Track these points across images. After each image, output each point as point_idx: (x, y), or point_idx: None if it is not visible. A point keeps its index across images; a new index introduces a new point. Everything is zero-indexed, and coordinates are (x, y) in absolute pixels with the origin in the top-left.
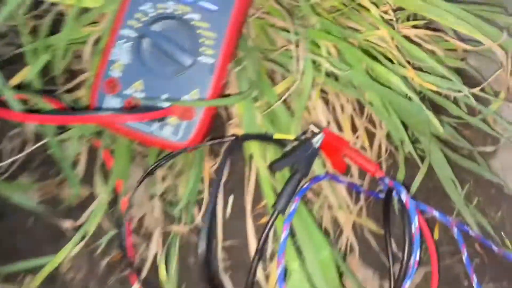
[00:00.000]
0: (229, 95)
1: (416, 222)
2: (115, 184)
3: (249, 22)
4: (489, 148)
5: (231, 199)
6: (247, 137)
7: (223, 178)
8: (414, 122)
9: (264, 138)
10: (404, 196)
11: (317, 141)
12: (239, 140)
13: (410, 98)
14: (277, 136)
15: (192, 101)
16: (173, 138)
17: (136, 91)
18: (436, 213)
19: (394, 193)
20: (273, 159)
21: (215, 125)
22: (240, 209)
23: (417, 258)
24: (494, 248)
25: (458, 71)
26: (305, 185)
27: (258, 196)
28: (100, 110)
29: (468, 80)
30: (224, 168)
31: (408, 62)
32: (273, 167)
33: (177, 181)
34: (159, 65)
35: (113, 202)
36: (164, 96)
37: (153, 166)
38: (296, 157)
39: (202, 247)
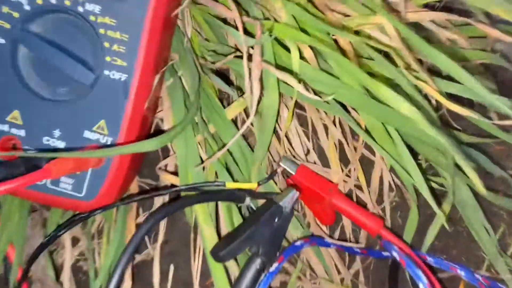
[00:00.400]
0: (166, 131)
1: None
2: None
3: (184, 11)
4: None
5: (171, 269)
6: (188, 188)
7: (158, 242)
8: (429, 150)
9: (211, 196)
10: (400, 256)
11: (289, 201)
12: (181, 197)
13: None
14: (230, 185)
15: (86, 153)
16: (76, 195)
17: (13, 127)
18: (461, 272)
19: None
20: (220, 241)
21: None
22: (185, 283)
23: None
24: None
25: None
26: (272, 268)
27: (205, 273)
28: None
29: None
30: (138, 240)
31: (420, 61)
32: (218, 256)
33: (94, 243)
34: (44, 87)
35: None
36: (56, 134)
37: (50, 235)
38: (257, 231)
39: None
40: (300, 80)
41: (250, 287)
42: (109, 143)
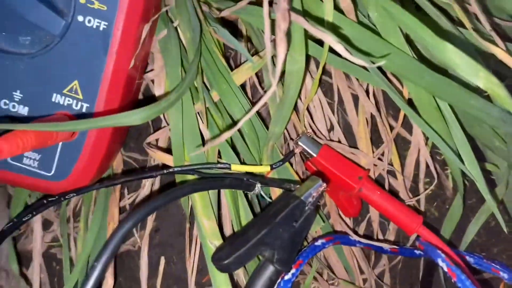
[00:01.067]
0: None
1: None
2: None
3: None
4: None
5: (162, 262)
6: (183, 187)
7: (147, 229)
8: (484, 133)
9: (213, 183)
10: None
11: (313, 195)
12: (167, 194)
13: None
14: (235, 168)
15: (52, 125)
16: (43, 174)
17: None
18: (504, 274)
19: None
20: (224, 244)
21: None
22: (177, 279)
23: None
24: None
25: None
26: (288, 276)
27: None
28: None
29: None
30: (125, 230)
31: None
32: (223, 265)
33: (70, 227)
34: (1, 36)
35: None
36: (16, 96)
37: (13, 221)
38: (272, 232)
39: None
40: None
41: None
42: (84, 110)
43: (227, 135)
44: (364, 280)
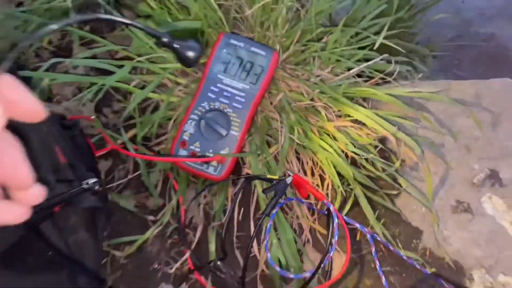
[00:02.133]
0: (245, 151)
1: (336, 220)
2: (179, 198)
3: (257, 114)
4: (394, 191)
5: (242, 209)
6: (253, 177)
7: (238, 198)
8: (347, 175)
9: (262, 177)
10: (332, 208)
11: (289, 180)
12: (249, 178)
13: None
14: (269, 177)
15: (226, 154)
16: (214, 173)
17: (196, 147)
18: (358, 225)
19: (332, 211)
20: (264, 188)
21: (237, 167)
22: (246, 214)
23: (336, 239)
24: (391, 247)
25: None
26: (281, 202)
27: (257, 208)
28: (176, 155)
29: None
30: (239, 193)
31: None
32: (264, 192)
33: (213, 198)
34: (209, 134)
35: (177, 208)
36: (211, 150)
37: (201, 190)
38: (277, 187)
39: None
40: None
41: (273, 206)
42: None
43: None
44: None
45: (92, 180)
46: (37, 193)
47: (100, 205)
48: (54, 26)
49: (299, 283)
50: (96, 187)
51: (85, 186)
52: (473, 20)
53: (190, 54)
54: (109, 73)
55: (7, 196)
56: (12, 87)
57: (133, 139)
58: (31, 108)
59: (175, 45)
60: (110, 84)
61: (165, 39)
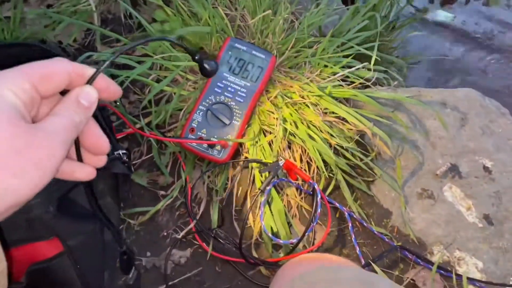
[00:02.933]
0: (244, 138)
1: (319, 196)
2: (186, 177)
3: (256, 107)
4: (370, 178)
5: (240, 188)
6: (251, 160)
7: (237, 178)
8: (330, 162)
9: (258, 161)
10: (316, 188)
11: (281, 163)
12: (247, 161)
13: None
14: (264, 161)
15: (228, 139)
16: (217, 156)
17: (203, 134)
18: (338, 205)
19: (317, 190)
20: (261, 168)
21: (237, 152)
22: (244, 191)
23: (318, 212)
24: (365, 224)
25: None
26: (274, 181)
27: (254, 186)
28: (186, 138)
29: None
30: (246, 174)
31: (331, 135)
32: (260, 171)
33: (215, 178)
34: (214, 123)
35: (184, 185)
36: (215, 136)
37: (206, 170)
38: (271, 168)
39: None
40: None
41: (268, 183)
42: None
43: None
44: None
45: (122, 151)
46: (104, 159)
47: (128, 172)
48: (132, 44)
49: (287, 249)
50: (125, 158)
51: (116, 154)
52: (448, 37)
53: (210, 69)
54: (128, 67)
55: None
56: (102, 76)
57: (147, 126)
58: (116, 90)
59: (204, 64)
60: (133, 76)
61: (197, 57)
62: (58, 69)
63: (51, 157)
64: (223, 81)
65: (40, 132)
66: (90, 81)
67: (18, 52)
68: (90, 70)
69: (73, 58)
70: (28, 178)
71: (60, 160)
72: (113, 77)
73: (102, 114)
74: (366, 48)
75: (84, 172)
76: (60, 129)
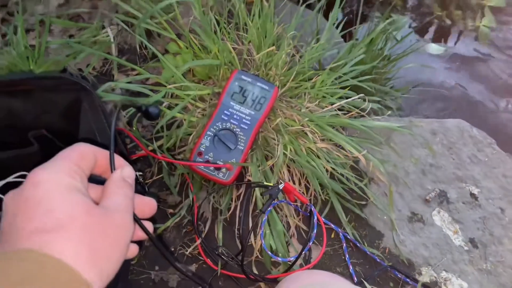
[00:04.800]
0: (248, 162)
1: (316, 217)
2: (193, 197)
3: (259, 134)
4: (363, 202)
5: (243, 208)
6: (254, 183)
7: (241, 199)
8: (326, 186)
9: (260, 184)
10: (313, 210)
11: (281, 186)
12: (250, 184)
13: (327, 172)
14: (266, 183)
15: (233, 163)
16: (223, 178)
17: (210, 157)
18: (333, 226)
19: (313, 212)
20: (262, 191)
21: (241, 175)
22: (246, 210)
23: (314, 232)
24: (358, 244)
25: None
26: (274, 203)
27: (255, 208)
28: (195, 161)
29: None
30: (242, 195)
31: (328, 161)
32: (262, 194)
33: (220, 198)
34: (220, 148)
35: (192, 205)
36: (221, 160)
37: (212, 191)
38: (272, 191)
39: (220, 232)
40: None
41: (268, 205)
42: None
43: None
44: None
45: (139, 173)
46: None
47: (143, 191)
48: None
49: (285, 266)
50: (141, 179)
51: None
52: (439, 71)
53: (154, 114)
54: (142, 95)
55: None
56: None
57: (159, 148)
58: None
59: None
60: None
61: (143, 108)
62: (87, 148)
63: (127, 233)
64: (230, 109)
65: (111, 213)
66: (113, 164)
67: (52, 83)
68: (104, 152)
69: (92, 85)
70: (113, 258)
71: (132, 235)
72: (129, 105)
73: (122, 138)
74: (362, 80)
75: (130, 251)
76: (124, 206)
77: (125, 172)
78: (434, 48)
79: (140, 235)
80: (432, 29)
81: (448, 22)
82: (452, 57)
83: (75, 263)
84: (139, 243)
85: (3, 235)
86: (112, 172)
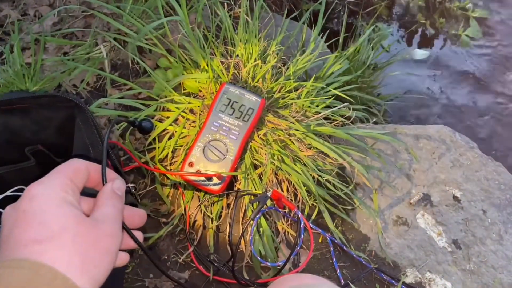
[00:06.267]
0: (237, 171)
1: (303, 223)
2: (185, 206)
3: (247, 144)
4: (350, 207)
5: (234, 215)
6: (243, 191)
7: (231, 207)
8: (313, 192)
9: (249, 192)
10: (300, 216)
11: (269, 194)
12: (240, 192)
13: (314, 179)
14: (254, 192)
15: (223, 172)
16: (213, 187)
17: (201, 167)
18: (320, 231)
19: (301, 218)
20: (251, 199)
21: (231, 183)
22: (237, 218)
23: (302, 238)
24: (345, 248)
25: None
26: (263, 210)
27: (246, 214)
28: (186, 172)
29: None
30: (232, 203)
31: (314, 168)
32: (251, 202)
33: (211, 207)
34: (211, 158)
35: (184, 214)
36: (211, 170)
37: (204, 200)
38: (261, 198)
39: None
40: None
41: (257, 213)
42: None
43: None
44: None
45: (131, 184)
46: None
47: (135, 202)
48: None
49: (274, 271)
50: (133, 190)
51: (126, 188)
52: (423, 78)
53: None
54: (134, 109)
55: None
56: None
57: (151, 160)
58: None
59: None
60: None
61: (136, 123)
62: (80, 163)
63: (115, 242)
64: (219, 121)
65: (100, 224)
66: (104, 178)
67: (47, 101)
68: (96, 166)
69: (86, 101)
70: (103, 265)
71: (120, 243)
72: (122, 120)
73: (116, 151)
74: (347, 89)
75: (120, 259)
76: (113, 217)
77: (115, 184)
78: (419, 54)
79: (131, 244)
80: (417, 36)
81: (432, 31)
82: (436, 63)
83: (68, 270)
84: (131, 252)
85: (2, 245)
86: (103, 185)
